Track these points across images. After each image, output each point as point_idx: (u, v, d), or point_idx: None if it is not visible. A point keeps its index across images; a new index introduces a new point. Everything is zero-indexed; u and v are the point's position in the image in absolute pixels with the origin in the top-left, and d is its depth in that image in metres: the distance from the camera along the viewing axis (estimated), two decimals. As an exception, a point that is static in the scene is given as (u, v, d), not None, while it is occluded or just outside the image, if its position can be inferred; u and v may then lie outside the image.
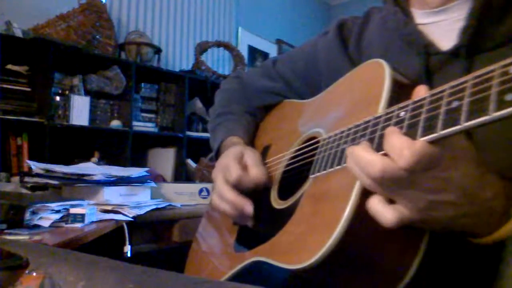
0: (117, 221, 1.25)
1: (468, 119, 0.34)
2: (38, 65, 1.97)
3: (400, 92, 0.48)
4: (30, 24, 2.06)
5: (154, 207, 1.54)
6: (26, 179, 1.46)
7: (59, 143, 2.01)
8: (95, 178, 1.40)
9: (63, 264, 0.44)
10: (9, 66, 1.90)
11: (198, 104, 2.81)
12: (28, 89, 1.94)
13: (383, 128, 0.43)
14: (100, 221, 1.19)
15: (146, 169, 1.68)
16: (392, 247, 0.47)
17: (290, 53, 0.88)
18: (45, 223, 1.01)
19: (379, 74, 0.51)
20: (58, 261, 0.46)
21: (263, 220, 0.66)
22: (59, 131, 2.01)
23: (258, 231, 0.66)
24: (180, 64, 3.01)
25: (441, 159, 0.38)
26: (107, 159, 2.18)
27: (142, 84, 2.55)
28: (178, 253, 1.01)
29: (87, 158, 2.07)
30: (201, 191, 1.82)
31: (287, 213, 0.58)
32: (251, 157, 0.70)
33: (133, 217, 1.34)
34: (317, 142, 0.60)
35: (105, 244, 1.19)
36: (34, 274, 0.42)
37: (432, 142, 0.37)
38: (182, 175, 2.54)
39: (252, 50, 3.65)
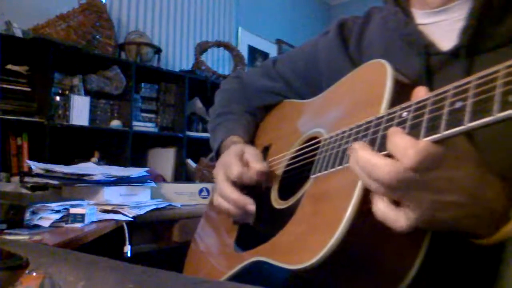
0: (117, 221, 1.25)
1: (472, 119, 0.34)
2: (38, 65, 1.97)
3: (401, 92, 0.48)
4: (30, 24, 2.06)
5: (154, 207, 1.54)
6: (26, 179, 1.46)
7: (59, 143, 2.01)
8: (95, 178, 1.40)
9: (63, 264, 0.44)
10: (9, 66, 1.90)
11: (198, 104, 2.81)
12: (28, 89, 1.94)
13: (385, 128, 0.43)
14: (100, 221, 1.19)
15: (146, 169, 1.68)
16: (394, 248, 0.47)
17: (290, 53, 0.88)
18: (45, 223, 1.01)
19: (381, 74, 0.51)
20: (58, 261, 0.46)
21: (263, 220, 0.66)
22: (59, 131, 2.01)
23: (258, 231, 0.66)
24: (180, 64, 3.01)
25: (445, 158, 0.38)
26: (107, 159, 2.19)
27: (142, 84, 2.55)
28: (178, 253, 1.01)
29: (87, 158, 2.07)
30: (201, 191, 1.82)
31: (288, 213, 0.58)
32: (252, 154, 0.70)
33: (133, 217, 1.33)
34: (318, 142, 0.60)
35: (105, 244, 1.19)
36: (34, 274, 0.42)
37: (435, 142, 0.37)
38: (182, 175, 2.54)
39: (252, 50, 3.65)
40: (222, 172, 0.69)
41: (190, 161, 2.58)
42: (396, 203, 0.41)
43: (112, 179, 1.45)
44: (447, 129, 0.36)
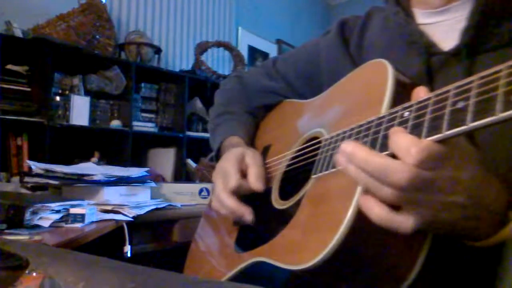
0: (117, 221, 1.25)
1: (475, 119, 0.33)
2: (38, 65, 1.97)
3: (402, 92, 0.48)
4: (30, 24, 2.06)
5: (154, 207, 1.53)
6: (26, 179, 1.45)
7: (59, 143, 2.01)
8: (95, 178, 1.40)
9: (63, 264, 0.44)
10: (9, 66, 1.90)
11: (198, 104, 2.81)
12: (28, 89, 1.94)
13: (387, 128, 0.43)
14: (100, 221, 1.18)
15: (146, 169, 1.68)
16: (395, 248, 0.47)
17: (291, 52, 0.88)
18: (45, 223, 1.00)
19: (382, 74, 0.51)
20: (58, 261, 0.46)
21: (264, 220, 0.66)
22: (59, 131, 2.01)
23: (258, 231, 0.66)
24: (180, 64, 3.01)
25: (449, 158, 0.38)
26: (107, 159, 2.19)
27: (142, 84, 2.55)
28: (178, 253, 1.01)
29: (87, 158, 2.07)
30: (201, 191, 1.82)
31: (289, 214, 0.58)
32: (252, 160, 0.69)
33: (133, 217, 1.33)
34: (319, 142, 0.59)
35: (105, 244, 1.18)
36: (34, 274, 0.41)
37: (438, 142, 0.37)
38: (182, 175, 2.54)
39: (252, 50, 3.65)
40: (220, 182, 0.69)
41: (190, 161, 2.58)
42: (394, 207, 0.41)
43: (112, 179, 1.45)
44: (449, 129, 0.35)
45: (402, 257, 0.47)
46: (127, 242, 1.26)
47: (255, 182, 0.66)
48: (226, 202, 0.66)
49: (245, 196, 0.67)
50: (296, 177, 0.64)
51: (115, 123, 2.30)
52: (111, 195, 1.44)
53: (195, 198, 1.80)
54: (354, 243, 0.44)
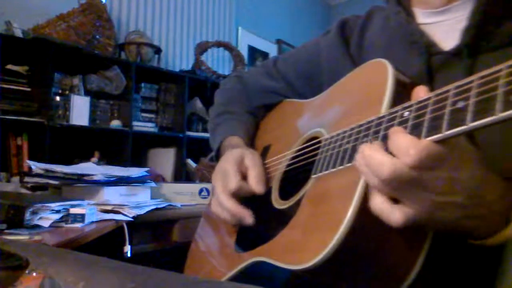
0: (117, 221, 1.25)
1: (474, 119, 0.33)
2: (38, 65, 1.97)
3: (403, 92, 0.48)
4: (30, 24, 2.06)
5: (154, 207, 1.53)
6: (26, 179, 1.46)
7: (59, 143, 2.01)
8: (95, 178, 1.40)
9: (63, 264, 0.44)
10: (9, 66, 1.90)
11: (198, 104, 2.81)
12: (28, 89, 1.94)
13: (387, 128, 0.43)
14: (100, 221, 1.18)
15: (146, 169, 1.67)
16: (395, 248, 0.47)
17: (291, 52, 0.88)
18: (45, 223, 1.00)
19: (382, 74, 0.51)
20: (58, 261, 0.45)
21: (264, 220, 0.66)
22: (59, 131, 2.01)
23: (258, 231, 0.66)
24: (180, 64, 3.01)
25: (447, 158, 0.38)
26: (107, 159, 2.19)
27: (142, 84, 2.55)
28: (178, 253, 1.01)
29: (87, 158, 2.07)
30: (201, 191, 1.82)
31: (289, 213, 0.58)
32: (251, 162, 0.69)
33: (133, 217, 1.33)
34: (319, 142, 0.59)
35: (105, 244, 1.18)
36: (34, 274, 0.41)
37: (437, 142, 0.37)
38: (182, 175, 2.54)
39: (252, 50, 3.65)
40: (220, 183, 0.69)
41: (190, 161, 2.58)
42: (394, 200, 0.41)
43: (112, 179, 1.45)
44: (449, 129, 0.35)
45: (402, 257, 0.47)
46: (127, 242, 1.26)
47: (255, 184, 0.66)
48: (225, 204, 0.66)
49: (244, 196, 0.67)
50: (296, 177, 0.64)
51: (115, 123, 2.30)
52: (111, 195, 1.44)
53: (195, 198, 1.80)
54: (354, 243, 0.44)
